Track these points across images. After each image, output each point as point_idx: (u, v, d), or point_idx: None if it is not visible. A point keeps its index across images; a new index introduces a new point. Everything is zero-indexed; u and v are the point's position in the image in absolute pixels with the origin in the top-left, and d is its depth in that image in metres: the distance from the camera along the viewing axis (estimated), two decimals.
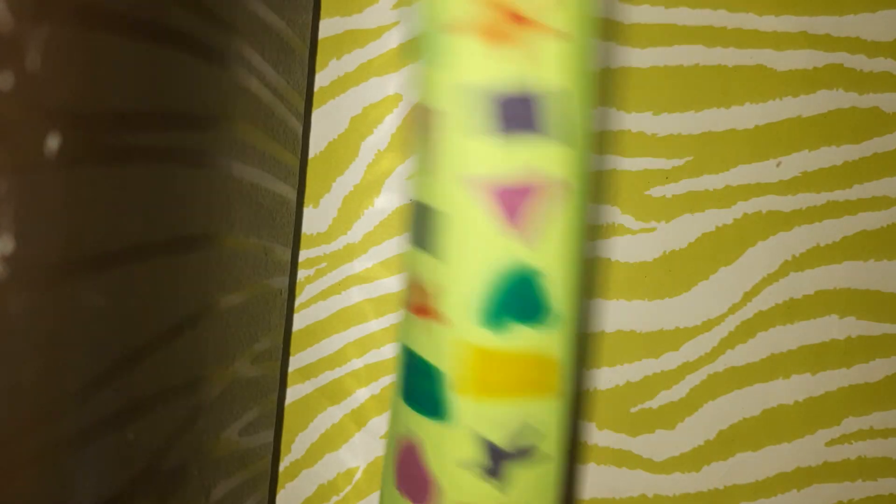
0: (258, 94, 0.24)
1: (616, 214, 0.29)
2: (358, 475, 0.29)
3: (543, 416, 0.18)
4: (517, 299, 0.17)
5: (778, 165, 0.29)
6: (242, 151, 0.23)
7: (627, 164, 0.29)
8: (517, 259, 0.16)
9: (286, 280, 0.28)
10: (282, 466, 0.30)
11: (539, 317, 0.17)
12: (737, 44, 0.29)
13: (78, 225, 0.15)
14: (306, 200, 0.30)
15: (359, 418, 0.29)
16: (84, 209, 0.16)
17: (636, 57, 0.29)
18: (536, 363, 0.17)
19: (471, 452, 0.17)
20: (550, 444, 0.18)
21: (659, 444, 0.29)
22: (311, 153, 0.30)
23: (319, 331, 0.30)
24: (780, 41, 0.29)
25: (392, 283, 0.29)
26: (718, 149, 0.29)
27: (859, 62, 0.29)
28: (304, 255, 0.30)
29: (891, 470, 0.29)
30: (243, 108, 0.23)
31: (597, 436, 0.29)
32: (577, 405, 0.29)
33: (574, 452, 0.29)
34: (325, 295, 0.30)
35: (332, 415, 0.30)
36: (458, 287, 0.17)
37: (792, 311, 0.29)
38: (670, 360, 0.29)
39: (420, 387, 0.18)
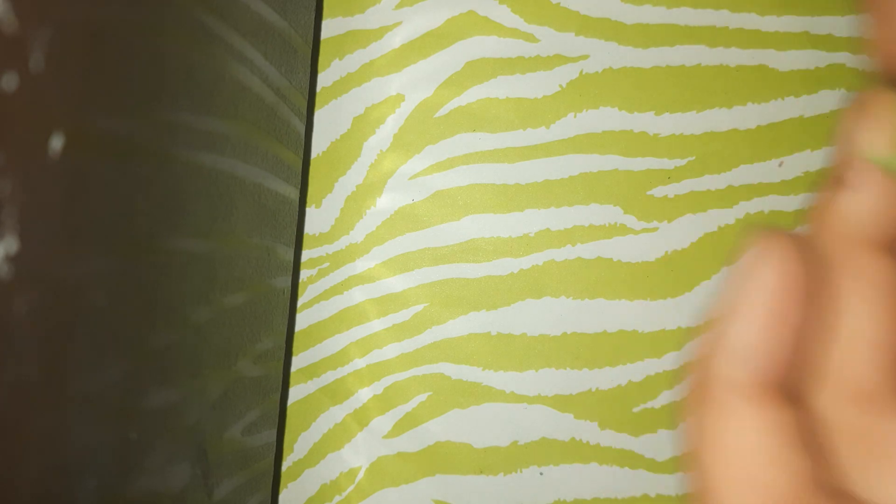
0: (261, 95, 0.24)
1: (618, 214, 0.29)
2: (360, 475, 0.30)
3: None
4: None
5: (780, 165, 0.29)
6: (245, 151, 0.23)
7: (630, 164, 0.29)
8: None
9: (289, 280, 0.28)
10: (284, 465, 0.30)
11: None
12: (739, 44, 0.29)
13: (81, 225, 0.15)
14: (309, 200, 0.30)
15: (361, 418, 0.30)
16: (87, 209, 0.16)
17: (638, 57, 0.29)
18: None
19: None
20: None
21: (661, 443, 0.29)
22: (314, 153, 0.30)
23: (322, 330, 0.30)
24: (782, 41, 0.29)
25: (394, 283, 0.29)
26: (720, 149, 0.29)
27: (861, 62, 0.29)
28: (306, 254, 0.30)
29: None
30: (246, 108, 0.23)
31: (599, 436, 0.29)
32: None
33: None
34: (327, 295, 0.30)
35: (334, 414, 0.30)
36: None
37: None
38: (673, 360, 0.29)
39: None
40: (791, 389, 0.14)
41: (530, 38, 0.29)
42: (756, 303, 0.13)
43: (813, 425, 0.15)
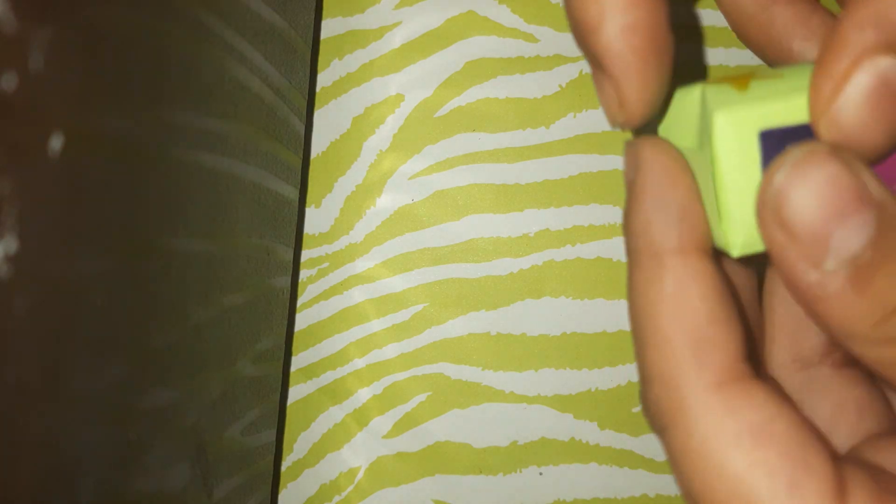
0: (260, 95, 0.24)
1: (618, 214, 0.29)
2: (360, 475, 0.30)
3: None
4: None
5: None
6: (244, 151, 0.23)
7: None
8: None
9: (288, 280, 0.28)
10: (284, 466, 0.30)
11: None
12: (739, 44, 0.29)
13: (81, 225, 0.15)
14: (308, 200, 0.30)
15: (361, 418, 0.30)
16: (87, 209, 0.16)
17: None
18: None
19: None
20: None
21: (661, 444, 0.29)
22: (313, 153, 0.30)
23: (321, 331, 0.30)
24: None
25: (394, 283, 0.29)
26: None
27: None
28: (305, 254, 0.30)
29: None
30: (245, 108, 0.23)
31: (598, 436, 0.29)
32: None
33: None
34: (327, 295, 0.30)
35: (333, 414, 0.30)
36: None
37: None
38: None
39: None
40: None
41: (530, 38, 0.29)
42: (655, 174, 0.15)
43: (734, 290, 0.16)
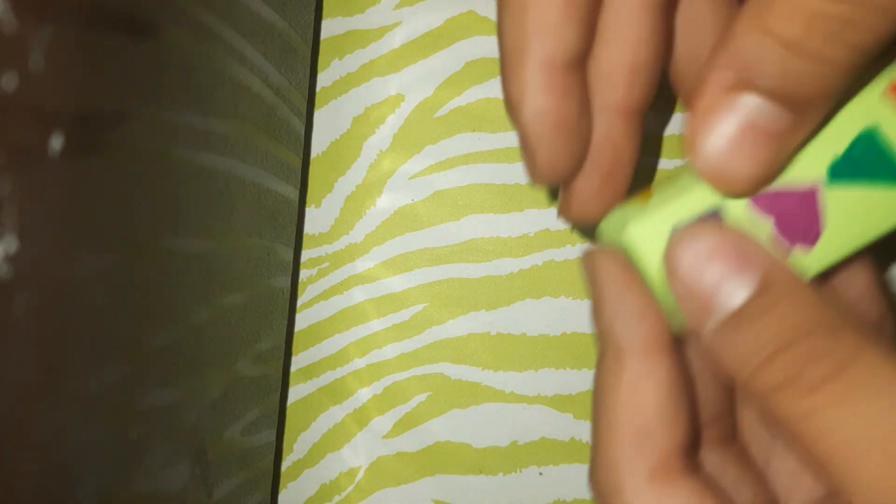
0: (260, 94, 0.24)
1: None
2: (360, 475, 0.30)
3: None
4: None
5: None
6: (245, 151, 0.23)
7: None
8: None
9: (288, 280, 0.28)
10: (284, 466, 0.30)
11: None
12: None
13: (81, 225, 0.15)
14: (308, 200, 0.30)
15: (361, 418, 0.30)
16: (87, 209, 0.16)
17: None
18: None
19: None
20: None
21: None
22: (313, 153, 0.30)
23: (321, 330, 0.30)
24: None
25: (394, 283, 0.29)
26: None
27: None
28: (305, 254, 0.30)
29: None
30: (246, 108, 0.23)
31: None
32: None
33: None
34: (326, 295, 0.30)
35: (333, 414, 0.30)
36: None
37: None
38: None
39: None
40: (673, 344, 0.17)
41: None
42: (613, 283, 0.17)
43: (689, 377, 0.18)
